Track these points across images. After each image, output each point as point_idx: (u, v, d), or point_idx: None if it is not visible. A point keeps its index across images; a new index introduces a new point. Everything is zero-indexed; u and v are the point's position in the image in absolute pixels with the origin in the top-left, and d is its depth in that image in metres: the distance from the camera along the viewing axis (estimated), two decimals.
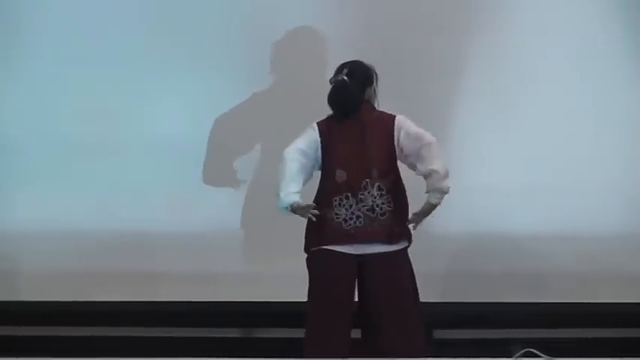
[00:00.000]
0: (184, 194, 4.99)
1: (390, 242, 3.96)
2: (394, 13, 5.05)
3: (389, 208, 3.96)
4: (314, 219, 3.93)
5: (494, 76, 5.01)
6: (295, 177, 3.94)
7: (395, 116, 4.05)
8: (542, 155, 4.95)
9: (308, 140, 4.03)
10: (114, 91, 5.04)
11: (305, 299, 4.03)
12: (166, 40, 5.06)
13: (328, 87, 4.10)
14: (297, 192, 3.93)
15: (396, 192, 3.99)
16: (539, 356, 3.52)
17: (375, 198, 3.95)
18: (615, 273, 4.95)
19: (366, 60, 4.18)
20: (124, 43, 5.07)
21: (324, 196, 3.98)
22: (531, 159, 4.95)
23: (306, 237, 4.06)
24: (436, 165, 3.90)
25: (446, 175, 3.92)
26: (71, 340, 5.00)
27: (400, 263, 4.01)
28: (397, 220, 3.97)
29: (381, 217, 3.95)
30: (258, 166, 4.99)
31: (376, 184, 3.96)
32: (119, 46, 5.06)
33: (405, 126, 4.01)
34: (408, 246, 4.05)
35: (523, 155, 4.95)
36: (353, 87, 4.06)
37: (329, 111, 4.09)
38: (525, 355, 3.57)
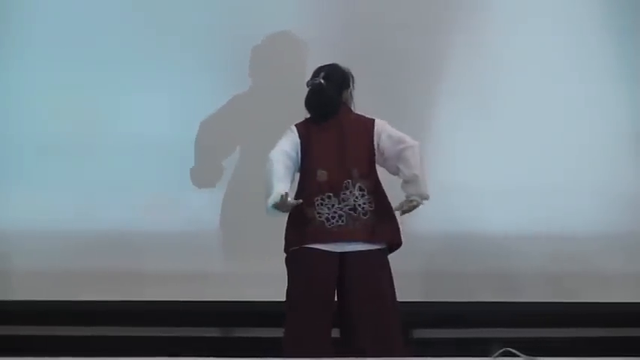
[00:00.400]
0: (168, 194, 4.97)
1: (370, 241, 3.97)
2: (372, 14, 5.06)
3: (370, 209, 3.97)
4: (297, 203, 3.91)
5: (472, 76, 5.03)
6: (282, 178, 3.94)
7: (374, 120, 4.08)
8: (521, 155, 4.96)
9: (290, 142, 4.04)
10: (101, 92, 5.02)
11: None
12: (147, 41, 5.05)
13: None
14: (285, 192, 3.92)
15: (377, 194, 4.01)
16: (518, 355, 3.52)
17: (357, 198, 3.96)
18: (594, 273, 4.97)
19: (345, 61, 4.20)
20: (106, 43, 5.05)
21: (305, 196, 3.98)
22: (510, 159, 4.96)
23: (286, 237, 4.06)
24: (419, 170, 3.95)
25: (426, 182, 3.96)
26: (56, 339, 4.97)
27: (379, 262, 4.02)
28: (379, 221, 3.98)
29: (363, 217, 3.96)
30: (240, 167, 4.99)
31: (357, 185, 3.97)
32: (102, 46, 5.04)
33: (386, 129, 4.05)
34: (396, 249, 4.07)
35: (502, 155, 4.96)
36: (330, 90, 4.08)
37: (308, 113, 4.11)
38: (504, 354, 3.56)
